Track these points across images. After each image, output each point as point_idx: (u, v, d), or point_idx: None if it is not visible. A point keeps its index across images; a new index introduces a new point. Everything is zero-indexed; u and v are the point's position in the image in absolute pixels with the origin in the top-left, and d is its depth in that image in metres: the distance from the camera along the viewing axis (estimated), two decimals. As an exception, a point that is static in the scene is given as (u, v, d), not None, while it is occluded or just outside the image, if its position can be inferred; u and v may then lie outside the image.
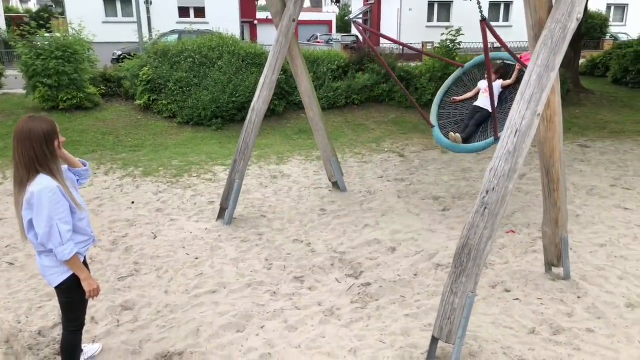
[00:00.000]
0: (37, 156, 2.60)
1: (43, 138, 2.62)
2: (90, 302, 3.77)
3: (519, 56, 4.88)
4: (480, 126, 5.65)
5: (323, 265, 4.78)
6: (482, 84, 5.88)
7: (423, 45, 22.87)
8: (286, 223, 5.82)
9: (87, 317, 3.68)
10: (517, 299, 4.14)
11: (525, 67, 5.56)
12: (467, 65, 6.32)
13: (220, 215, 5.85)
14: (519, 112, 3.20)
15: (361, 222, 5.84)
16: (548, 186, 4.14)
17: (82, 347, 3.27)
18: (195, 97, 10.33)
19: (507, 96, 5.72)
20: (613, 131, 10.67)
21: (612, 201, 6.46)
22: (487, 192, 3.17)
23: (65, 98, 10.15)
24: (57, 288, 2.82)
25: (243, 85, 10.40)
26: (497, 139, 5.01)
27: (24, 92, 10.74)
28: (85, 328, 3.27)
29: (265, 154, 8.90)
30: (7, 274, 4.55)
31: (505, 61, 5.96)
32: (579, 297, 4.16)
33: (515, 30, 27.22)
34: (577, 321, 3.82)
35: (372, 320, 3.85)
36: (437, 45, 12.73)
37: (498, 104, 5.42)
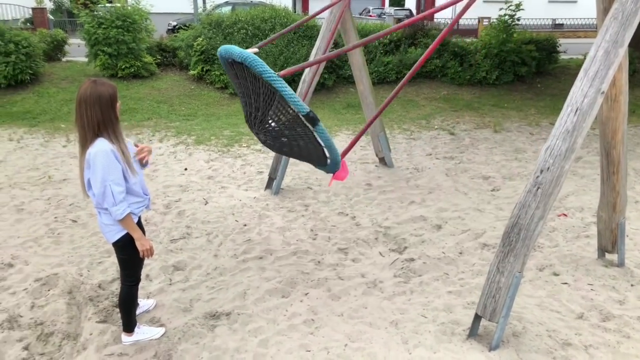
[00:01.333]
0: (103, 119, 2.74)
1: (109, 102, 2.75)
2: (145, 261, 3.98)
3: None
4: None
5: (367, 238, 4.82)
6: None
7: (479, 21, 22.01)
8: (332, 196, 5.88)
9: (143, 275, 3.89)
10: (566, 283, 4.04)
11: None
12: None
13: (269, 185, 5.98)
14: (580, 89, 3.07)
15: (407, 198, 5.82)
16: (607, 168, 3.97)
17: (138, 302, 3.48)
18: (247, 69, 10.43)
19: None
20: (682, 115, 10.01)
21: (676, 189, 6.12)
22: (542, 171, 3.08)
23: (124, 66, 10.53)
24: (115, 244, 3.00)
25: (294, 57, 10.41)
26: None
27: (86, 59, 11.20)
28: (140, 284, 3.47)
29: (313, 127, 8.94)
30: (71, 230, 4.86)
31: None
32: (632, 285, 4.01)
33: (581, 5, 25.70)
34: (628, 309, 3.70)
35: (415, 295, 3.87)
36: (495, 20, 12.23)
37: None
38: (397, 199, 5.80)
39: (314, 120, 3.20)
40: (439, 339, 3.32)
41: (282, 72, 3.24)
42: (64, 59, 12.04)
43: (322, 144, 3.28)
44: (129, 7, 10.78)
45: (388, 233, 4.94)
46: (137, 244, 2.94)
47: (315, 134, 3.21)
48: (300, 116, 3.17)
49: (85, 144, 2.78)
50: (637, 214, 5.36)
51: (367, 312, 3.64)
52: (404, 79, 3.87)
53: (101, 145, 2.74)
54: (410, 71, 3.80)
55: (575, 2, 26.43)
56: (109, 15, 10.37)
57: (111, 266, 4.17)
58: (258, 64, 3.11)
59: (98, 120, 2.73)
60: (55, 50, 11.82)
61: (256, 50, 3.92)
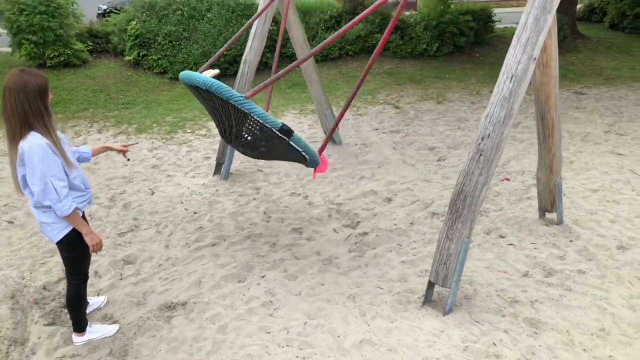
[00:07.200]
0: (31, 110, 2.56)
1: (37, 92, 2.57)
2: (93, 257, 3.84)
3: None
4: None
5: (320, 216, 4.84)
6: None
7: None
8: (283, 177, 5.85)
9: (91, 272, 3.76)
10: (511, 244, 4.24)
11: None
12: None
13: (217, 170, 5.86)
14: (514, 56, 3.16)
15: (357, 174, 5.88)
16: (543, 132, 4.15)
17: (88, 300, 3.36)
18: (186, 52, 10.11)
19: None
20: (608, 77, 10.59)
21: (605, 147, 6.49)
22: (483, 138, 3.18)
23: (52, 55, 9.92)
24: (59, 243, 2.85)
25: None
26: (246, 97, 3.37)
27: (9, 49, 10.46)
28: (89, 282, 3.34)
29: (259, 108, 8.80)
30: (8, 232, 4.59)
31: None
32: (571, 241, 4.26)
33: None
34: (568, 263, 3.93)
35: (370, 268, 3.94)
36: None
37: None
38: (347, 175, 5.85)
39: (288, 132, 3.31)
40: (395, 308, 3.41)
41: (248, 94, 3.31)
42: (-16, 50, 11.21)
43: (300, 149, 3.40)
44: (53, -9, 10.11)
45: (340, 209, 4.98)
46: (87, 238, 2.82)
47: (291, 143, 3.33)
48: (275, 131, 3.24)
49: (14, 137, 2.59)
50: (572, 174, 5.67)
51: (324, 288, 3.67)
52: (369, 63, 3.74)
53: (35, 140, 2.57)
54: (373, 55, 3.72)
55: (507, -29, 27.16)
56: (30, 1, 9.68)
57: (55, 266, 3.98)
58: (224, 91, 3.19)
59: (25, 110, 2.54)
60: (-26, 41, 10.98)
61: (217, 71, 4.01)
